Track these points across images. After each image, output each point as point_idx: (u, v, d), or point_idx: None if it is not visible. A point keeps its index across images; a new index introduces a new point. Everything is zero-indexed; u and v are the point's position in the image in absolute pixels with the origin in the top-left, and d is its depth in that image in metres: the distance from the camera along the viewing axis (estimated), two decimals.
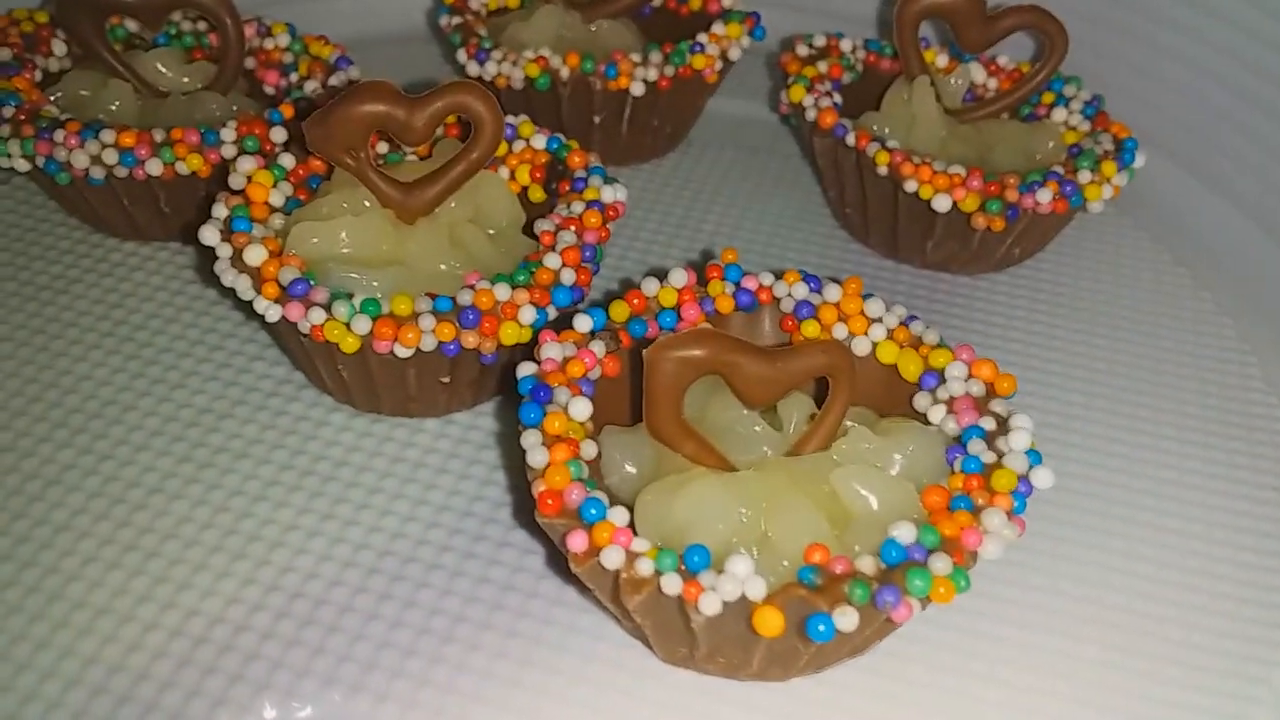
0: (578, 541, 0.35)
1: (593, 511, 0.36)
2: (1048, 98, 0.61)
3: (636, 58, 0.60)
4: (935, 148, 0.58)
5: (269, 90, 0.60)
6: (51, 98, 0.56)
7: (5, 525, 0.43)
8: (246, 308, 0.52)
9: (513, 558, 0.44)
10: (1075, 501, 0.47)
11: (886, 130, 0.58)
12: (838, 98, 0.59)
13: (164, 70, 0.59)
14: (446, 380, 0.47)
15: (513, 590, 0.43)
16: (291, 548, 0.43)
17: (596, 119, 0.63)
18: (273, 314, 0.44)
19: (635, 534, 0.36)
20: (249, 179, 0.48)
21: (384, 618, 0.41)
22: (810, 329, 0.45)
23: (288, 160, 0.49)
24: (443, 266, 0.47)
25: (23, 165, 0.53)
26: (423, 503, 0.46)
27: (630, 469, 0.41)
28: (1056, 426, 0.51)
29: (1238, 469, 0.49)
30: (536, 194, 0.52)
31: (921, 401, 0.43)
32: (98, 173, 0.52)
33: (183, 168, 0.53)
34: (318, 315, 0.43)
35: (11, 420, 0.48)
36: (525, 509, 0.46)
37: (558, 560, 0.44)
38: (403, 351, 0.44)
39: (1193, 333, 0.57)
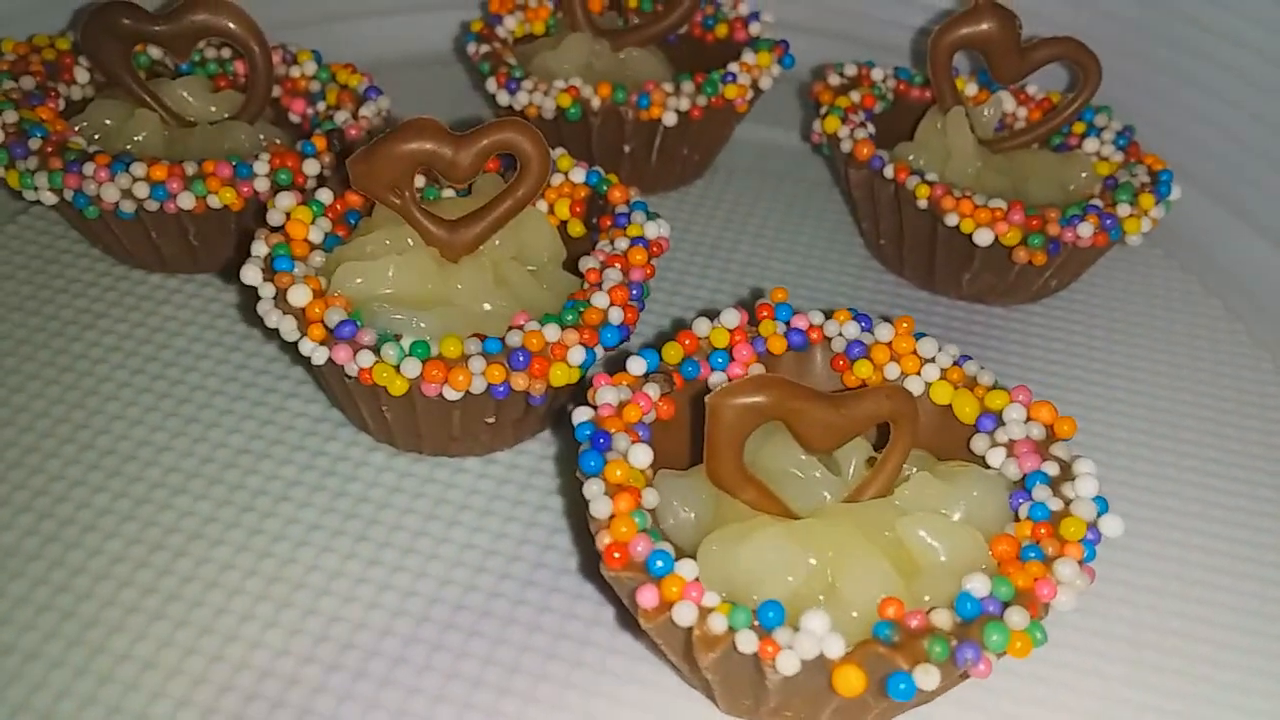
0: (648, 597, 0.35)
1: (659, 564, 0.35)
2: (1079, 128, 0.61)
3: (669, 87, 0.60)
4: (971, 179, 0.57)
5: (295, 119, 0.59)
6: (76, 127, 0.55)
7: (43, 574, 0.42)
8: (280, 342, 0.51)
9: (564, 603, 0.43)
10: (1125, 542, 0.47)
11: (922, 161, 0.58)
12: (871, 128, 0.59)
13: (190, 99, 0.58)
14: (491, 420, 0.47)
15: (565, 638, 0.42)
16: (339, 595, 0.43)
17: (626, 148, 0.62)
18: (319, 356, 0.43)
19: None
20: (288, 216, 0.47)
21: (437, 669, 0.40)
22: (863, 369, 0.44)
23: (325, 195, 0.49)
24: (487, 306, 0.46)
25: (49, 198, 0.52)
26: (469, 546, 0.45)
27: (688, 514, 0.40)
28: (1101, 459, 0.50)
29: None
30: (576, 229, 0.51)
31: (980, 444, 0.42)
32: (128, 206, 0.51)
33: (215, 201, 0.52)
34: (366, 358, 0.42)
35: (44, 463, 0.47)
36: (584, 554, 0.45)
37: (612, 605, 0.43)
38: (452, 394, 0.43)
39: (1229, 365, 0.57)
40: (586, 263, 0.48)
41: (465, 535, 0.45)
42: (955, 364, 0.44)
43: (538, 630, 0.42)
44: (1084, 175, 0.59)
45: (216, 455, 0.48)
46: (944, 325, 0.58)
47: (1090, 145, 0.60)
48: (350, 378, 0.44)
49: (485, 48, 0.63)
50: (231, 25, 0.55)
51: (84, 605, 0.41)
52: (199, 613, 0.41)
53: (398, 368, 0.42)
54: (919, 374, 0.44)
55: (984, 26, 0.58)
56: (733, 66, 0.61)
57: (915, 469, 0.41)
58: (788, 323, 0.45)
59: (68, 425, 0.48)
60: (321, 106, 0.58)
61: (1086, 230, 0.53)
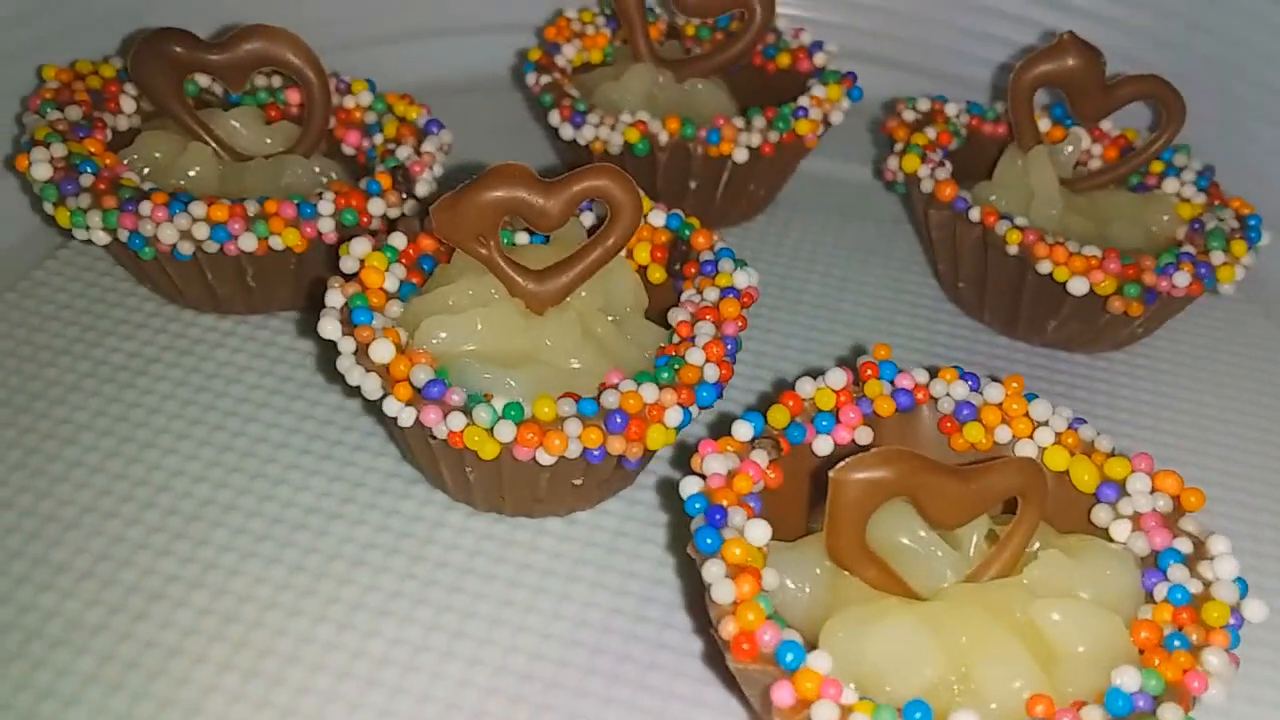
0: (783, 695, 0.32)
1: (790, 657, 0.33)
2: (1156, 167, 0.59)
3: (739, 123, 0.57)
4: (1054, 221, 0.55)
5: (349, 150, 0.57)
6: (126, 161, 0.52)
7: (110, 649, 0.40)
8: (346, 388, 0.49)
9: (671, 661, 0.41)
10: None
11: (1003, 203, 0.56)
12: (949, 167, 0.57)
13: (243, 131, 0.55)
14: (579, 482, 0.44)
15: (675, 698, 0.40)
16: (426, 671, 0.40)
17: (692, 184, 0.60)
18: (406, 418, 0.41)
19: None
20: (362, 263, 0.45)
21: None
22: (973, 432, 0.42)
23: (399, 240, 0.46)
24: (575, 363, 0.44)
25: (102, 238, 0.49)
26: (558, 617, 0.43)
27: (800, 589, 0.38)
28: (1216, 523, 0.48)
29: None
30: (657, 275, 0.49)
31: (1102, 516, 0.40)
32: (186, 248, 0.49)
33: (277, 242, 0.49)
34: (457, 420, 0.40)
35: (102, 524, 0.44)
36: (685, 617, 0.43)
37: (718, 667, 0.41)
38: (545, 459, 0.41)
39: None
40: (677, 315, 0.45)
41: (553, 604, 0.43)
42: (1070, 428, 0.42)
43: (643, 689, 0.40)
44: (1166, 218, 0.57)
45: (285, 515, 0.45)
46: (1027, 374, 0.55)
47: (1170, 185, 0.59)
48: (435, 438, 0.41)
49: (546, 78, 0.60)
50: (290, 55, 0.53)
51: (156, 684, 0.39)
52: (278, 692, 0.39)
53: (490, 430, 0.40)
54: (1032, 438, 0.42)
55: (1069, 63, 0.56)
56: (804, 101, 0.59)
57: (1038, 543, 0.39)
58: (892, 382, 0.43)
59: (125, 482, 0.46)
60: (379, 139, 0.56)
61: (1182, 280, 0.51)
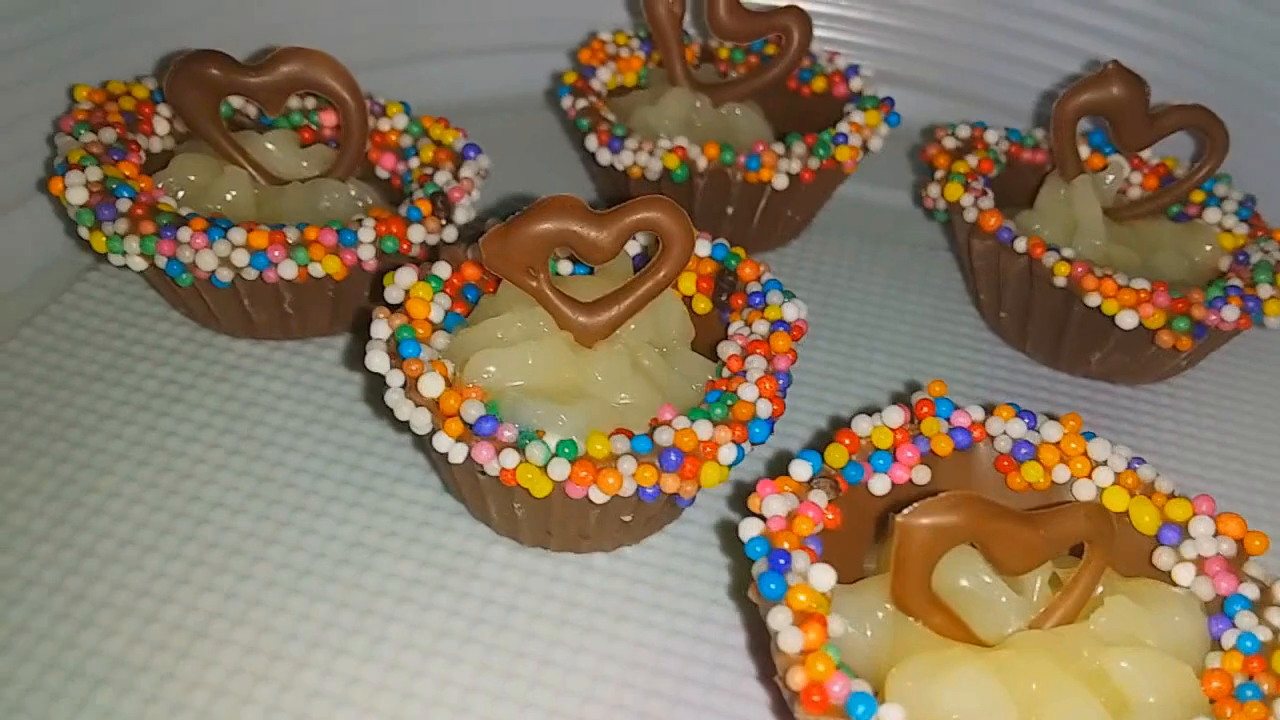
0: None
1: (862, 709, 0.32)
2: (1197, 196, 0.59)
3: (779, 149, 0.57)
4: (1099, 252, 0.55)
5: (383, 174, 0.56)
6: (160, 184, 0.51)
7: (153, 689, 0.39)
8: (388, 417, 0.48)
9: (725, 704, 0.41)
10: None
11: (1046, 233, 0.55)
12: (991, 196, 0.56)
13: (278, 154, 0.54)
14: (628, 519, 0.44)
15: None
16: (477, 714, 0.39)
17: (729, 210, 0.59)
18: (457, 455, 0.40)
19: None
20: (408, 293, 0.44)
21: None
22: (1032, 472, 0.42)
23: (443, 270, 0.46)
24: (624, 397, 0.43)
25: (139, 264, 0.48)
26: (609, 657, 0.42)
27: (861, 633, 0.37)
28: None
29: None
30: (702, 305, 0.49)
31: (1165, 559, 0.39)
32: (225, 275, 0.48)
33: (317, 270, 0.48)
34: (510, 458, 0.39)
35: (142, 559, 0.43)
36: (739, 653, 0.42)
37: (782, 715, 0.40)
38: (599, 497, 0.40)
39: None
40: (727, 349, 0.45)
41: (604, 643, 0.42)
42: (1129, 467, 0.42)
43: None
44: (1208, 248, 0.57)
45: (328, 549, 0.44)
46: (1069, 405, 0.55)
47: (1211, 215, 0.58)
48: (485, 474, 0.41)
49: (582, 102, 0.60)
50: (328, 79, 0.52)
51: None
52: None
53: (544, 468, 0.39)
54: (1090, 478, 0.41)
55: (1114, 92, 0.55)
56: (843, 127, 0.59)
57: (1102, 588, 0.38)
58: (948, 419, 0.43)
59: (164, 514, 0.45)
60: (414, 163, 0.55)
61: (1231, 314, 0.51)
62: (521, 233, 0.42)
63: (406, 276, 0.45)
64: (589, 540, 0.45)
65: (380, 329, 0.43)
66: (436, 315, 0.44)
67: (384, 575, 0.44)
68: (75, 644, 0.40)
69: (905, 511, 0.35)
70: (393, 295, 0.44)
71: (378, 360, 0.42)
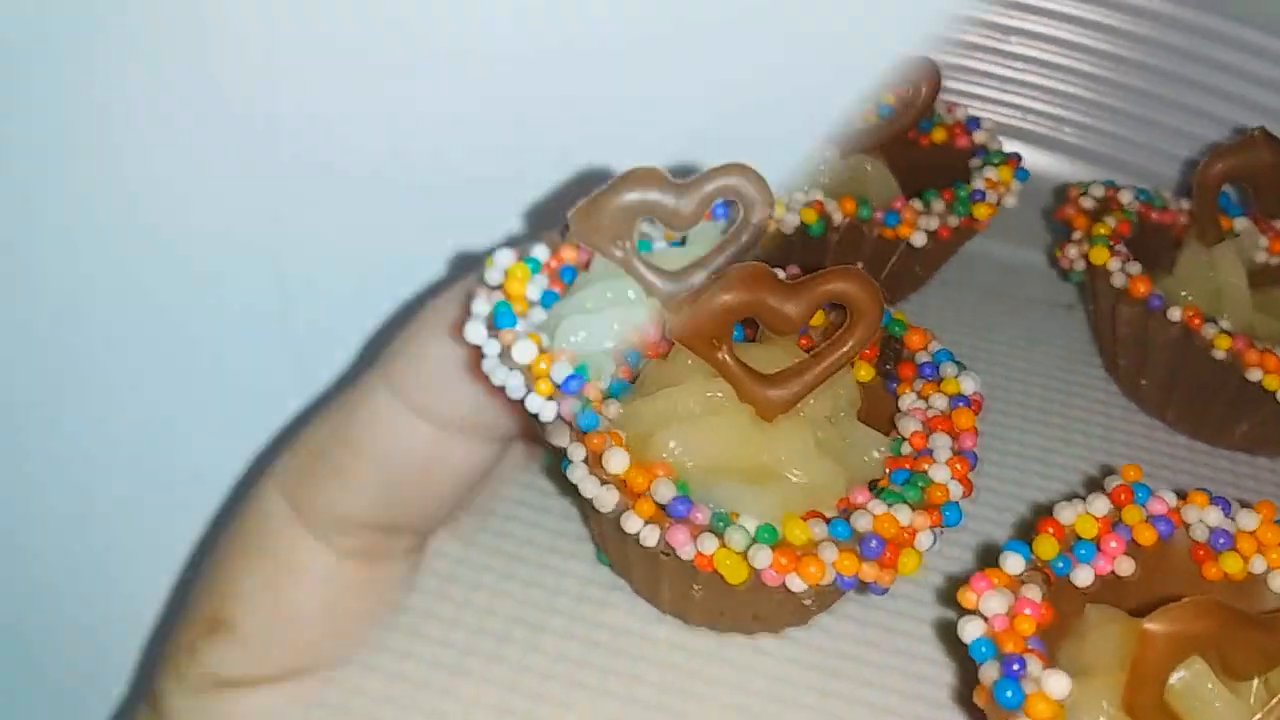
0: None
1: None
2: None
3: (918, 205, 0.55)
4: (1244, 321, 0.54)
5: None
6: None
7: None
8: (555, 485, 0.46)
9: None
10: None
11: (1190, 299, 0.54)
12: (1138, 263, 0.55)
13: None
14: (808, 603, 0.42)
15: None
16: None
17: (859, 265, 0.58)
18: (650, 538, 0.38)
19: None
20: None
21: None
22: (1231, 563, 0.40)
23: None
24: (800, 474, 0.41)
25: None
26: None
27: None
28: None
29: None
30: (865, 373, 0.47)
31: None
32: None
33: None
34: (708, 544, 0.37)
35: None
36: None
37: None
38: (798, 586, 0.38)
39: None
40: (908, 425, 0.43)
41: None
42: None
43: None
44: None
45: (487, 625, 0.42)
46: (1212, 477, 0.54)
47: None
48: (668, 554, 0.39)
49: None
50: None
51: None
52: None
53: (743, 554, 0.37)
54: None
55: (1261, 158, 0.54)
56: (978, 184, 0.57)
57: None
58: (1144, 505, 0.41)
59: None
60: None
61: None
62: (706, 308, 0.40)
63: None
64: (761, 622, 0.43)
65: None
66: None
67: (550, 659, 0.41)
68: None
69: (1152, 617, 0.33)
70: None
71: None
